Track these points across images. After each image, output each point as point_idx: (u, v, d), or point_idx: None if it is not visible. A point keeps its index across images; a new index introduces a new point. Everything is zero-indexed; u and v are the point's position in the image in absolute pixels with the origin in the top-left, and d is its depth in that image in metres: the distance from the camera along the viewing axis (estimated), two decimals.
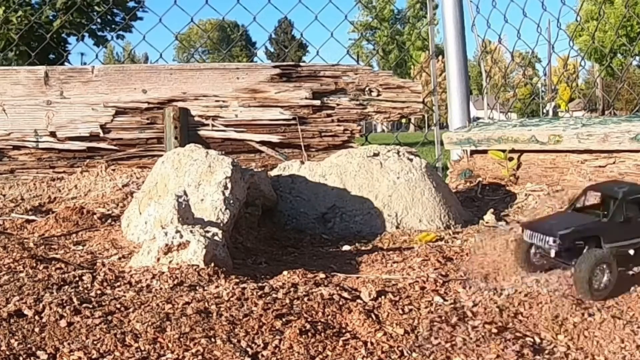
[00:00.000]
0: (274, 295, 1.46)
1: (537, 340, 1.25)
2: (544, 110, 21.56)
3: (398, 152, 2.48)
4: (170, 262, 1.66)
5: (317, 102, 3.32)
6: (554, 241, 1.47)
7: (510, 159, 2.90)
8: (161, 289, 1.50)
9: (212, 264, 1.64)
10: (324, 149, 3.29)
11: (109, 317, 1.30)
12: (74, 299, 1.38)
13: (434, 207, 2.34)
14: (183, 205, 1.88)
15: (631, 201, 1.51)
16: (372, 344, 1.20)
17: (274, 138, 3.29)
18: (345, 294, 1.48)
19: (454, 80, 3.65)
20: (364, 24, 37.07)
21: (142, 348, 1.15)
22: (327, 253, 2.09)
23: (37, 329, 1.23)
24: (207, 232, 1.74)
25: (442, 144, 3.52)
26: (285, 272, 1.67)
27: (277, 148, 3.29)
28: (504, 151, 2.91)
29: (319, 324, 1.28)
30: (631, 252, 1.50)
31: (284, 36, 45.71)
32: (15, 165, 3.18)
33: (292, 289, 1.52)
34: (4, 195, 2.97)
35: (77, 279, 1.58)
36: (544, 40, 15.79)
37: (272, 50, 38.97)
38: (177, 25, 4.47)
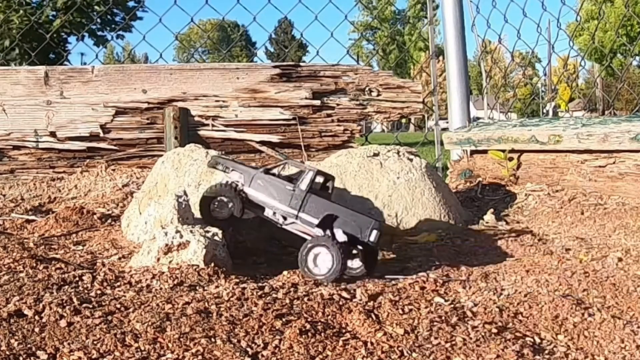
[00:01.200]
0: (274, 295, 1.46)
1: (537, 340, 1.25)
2: (544, 110, 21.56)
3: (398, 152, 2.48)
4: (170, 262, 1.66)
5: (317, 102, 3.32)
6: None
7: (510, 159, 2.90)
8: (161, 289, 1.50)
9: (212, 264, 1.64)
10: (324, 149, 3.29)
11: (109, 317, 1.30)
12: (74, 299, 1.38)
13: (434, 207, 2.34)
14: (183, 205, 1.88)
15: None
16: (372, 344, 1.20)
17: (274, 138, 3.29)
18: (345, 294, 1.48)
19: (454, 80, 3.65)
20: (364, 24, 37.06)
21: (142, 348, 1.15)
22: None
23: (37, 329, 1.23)
24: (207, 232, 1.74)
25: (442, 144, 3.52)
26: (285, 272, 1.67)
27: (277, 148, 3.29)
28: (504, 151, 2.91)
29: (319, 324, 1.28)
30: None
31: (284, 36, 45.71)
32: (15, 165, 3.18)
33: (292, 289, 1.52)
34: (4, 195, 2.97)
35: (77, 279, 1.58)
36: (544, 40, 15.80)
37: (272, 50, 39.00)
38: (177, 25, 4.47)
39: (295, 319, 1.29)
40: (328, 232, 1.70)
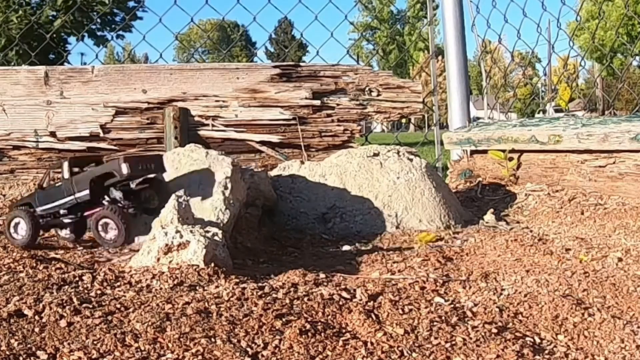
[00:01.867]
0: (274, 295, 1.46)
1: (537, 340, 1.25)
2: (544, 110, 21.52)
3: (398, 152, 2.48)
4: (170, 262, 1.66)
5: (317, 102, 3.32)
6: None
7: (510, 159, 2.90)
8: (161, 289, 1.50)
9: (212, 264, 1.64)
10: (324, 149, 3.29)
11: (109, 317, 1.30)
12: (74, 299, 1.38)
13: (434, 207, 2.34)
14: (183, 205, 1.88)
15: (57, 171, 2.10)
16: (372, 344, 1.20)
17: (274, 138, 3.29)
18: (345, 294, 1.48)
19: (454, 80, 3.65)
20: (364, 24, 37.05)
21: (142, 348, 1.15)
22: (327, 253, 2.09)
23: (37, 329, 1.23)
24: (207, 232, 1.74)
25: (442, 144, 3.52)
26: (285, 272, 1.67)
27: (277, 148, 3.28)
28: (504, 151, 2.91)
29: (319, 324, 1.28)
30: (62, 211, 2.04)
31: (284, 36, 45.71)
32: (15, 165, 3.18)
33: (292, 289, 1.52)
34: (4, 195, 2.97)
35: (77, 279, 1.58)
36: (544, 40, 15.78)
37: (272, 50, 39.02)
38: (177, 25, 4.46)
39: (295, 319, 1.29)
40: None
